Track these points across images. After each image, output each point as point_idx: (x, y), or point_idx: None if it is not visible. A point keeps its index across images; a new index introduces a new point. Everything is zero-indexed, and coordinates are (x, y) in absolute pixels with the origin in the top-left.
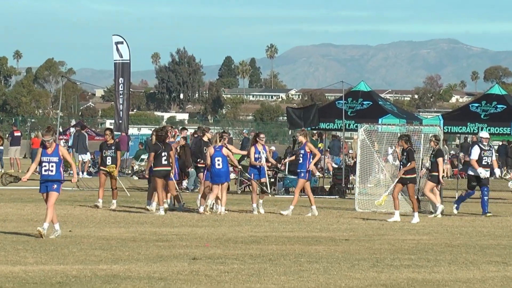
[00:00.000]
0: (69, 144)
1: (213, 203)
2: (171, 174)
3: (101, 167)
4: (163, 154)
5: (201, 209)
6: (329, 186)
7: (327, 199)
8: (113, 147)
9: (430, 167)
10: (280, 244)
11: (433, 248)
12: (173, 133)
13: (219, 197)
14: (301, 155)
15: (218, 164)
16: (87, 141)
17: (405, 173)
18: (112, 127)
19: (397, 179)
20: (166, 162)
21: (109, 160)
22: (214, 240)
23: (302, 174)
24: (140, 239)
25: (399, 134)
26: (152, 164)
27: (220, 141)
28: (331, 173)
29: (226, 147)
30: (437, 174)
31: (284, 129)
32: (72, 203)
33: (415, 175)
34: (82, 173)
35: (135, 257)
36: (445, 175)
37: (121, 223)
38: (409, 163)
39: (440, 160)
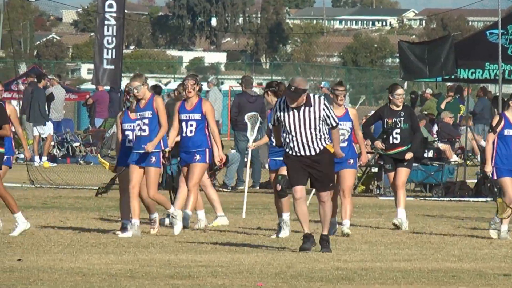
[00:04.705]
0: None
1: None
2: None
3: None
4: None
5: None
6: (475, 181)
7: (471, 203)
8: None
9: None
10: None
11: None
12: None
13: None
14: (347, 132)
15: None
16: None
17: None
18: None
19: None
20: None
21: None
22: (269, 275)
23: (352, 162)
24: (142, 274)
25: None
26: None
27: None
28: (478, 158)
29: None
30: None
31: (396, 80)
32: (24, 209)
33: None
34: (40, 158)
35: None
36: None
37: (108, 247)
38: None
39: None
